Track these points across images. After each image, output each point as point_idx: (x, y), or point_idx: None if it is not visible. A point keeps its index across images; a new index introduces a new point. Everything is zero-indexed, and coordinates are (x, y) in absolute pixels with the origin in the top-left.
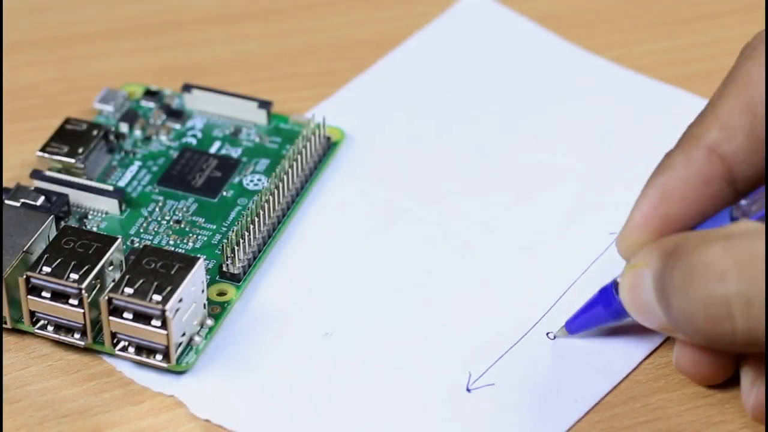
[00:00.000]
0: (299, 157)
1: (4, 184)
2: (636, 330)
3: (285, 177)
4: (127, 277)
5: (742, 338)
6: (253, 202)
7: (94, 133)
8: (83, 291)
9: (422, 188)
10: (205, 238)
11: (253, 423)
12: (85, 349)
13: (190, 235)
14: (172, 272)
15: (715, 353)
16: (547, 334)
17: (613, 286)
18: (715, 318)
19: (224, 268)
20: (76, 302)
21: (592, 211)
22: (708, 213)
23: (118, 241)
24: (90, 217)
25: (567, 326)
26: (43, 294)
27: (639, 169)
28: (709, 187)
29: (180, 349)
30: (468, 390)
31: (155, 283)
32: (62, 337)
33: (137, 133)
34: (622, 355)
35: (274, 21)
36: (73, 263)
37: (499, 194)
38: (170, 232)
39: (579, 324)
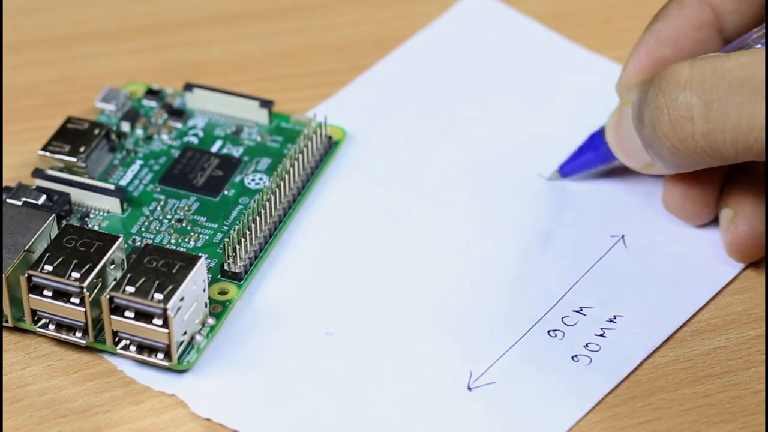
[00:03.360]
0: (300, 156)
1: (6, 184)
2: (636, 330)
3: (286, 176)
4: (128, 275)
5: (701, 141)
6: (254, 201)
7: (96, 132)
8: (85, 289)
9: (423, 188)
10: (207, 237)
11: (254, 422)
12: (86, 349)
13: (192, 234)
14: (174, 271)
15: (700, 189)
16: (541, 175)
17: (602, 131)
18: (678, 121)
19: (226, 267)
20: (77, 301)
21: (593, 211)
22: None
23: (120, 239)
24: (91, 215)
25: (560, 170)
26: (45, 292)
27: None
28: (699, 33)
29: (181, 348)
30: (469, 389)
31: (157, 282)
32: (64, 336)
33: (139, 132)
34: (623, 355)
35: (274, 21)
36: (74, 262)
37: (500, 193)
38: (172, 231)
39: (571, 168)
